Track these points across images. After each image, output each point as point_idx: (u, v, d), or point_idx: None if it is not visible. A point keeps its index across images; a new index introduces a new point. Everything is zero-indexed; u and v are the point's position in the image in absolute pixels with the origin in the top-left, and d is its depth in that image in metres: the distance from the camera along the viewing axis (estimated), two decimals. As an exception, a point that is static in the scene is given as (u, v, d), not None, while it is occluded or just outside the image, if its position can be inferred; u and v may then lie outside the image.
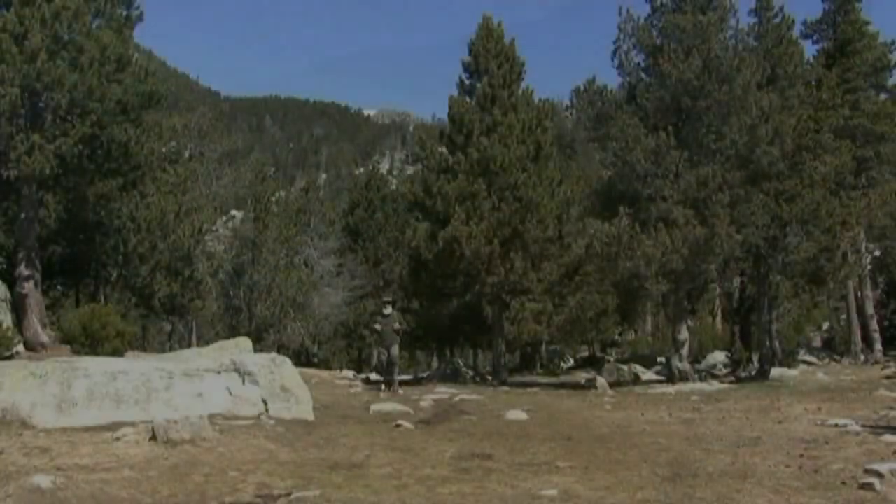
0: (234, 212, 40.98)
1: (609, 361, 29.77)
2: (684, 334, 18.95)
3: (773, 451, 7.50)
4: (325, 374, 21.94)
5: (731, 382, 19.31)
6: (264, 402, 9.54)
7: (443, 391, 15.23)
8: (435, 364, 37.23)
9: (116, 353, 15.53)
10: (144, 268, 21.66)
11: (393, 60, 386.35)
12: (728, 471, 6.46)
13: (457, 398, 13.57)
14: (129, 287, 22.69)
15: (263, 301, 30.37)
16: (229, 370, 9.65)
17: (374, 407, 11.67)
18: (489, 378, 21.37)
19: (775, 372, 20.16)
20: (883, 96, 31.25)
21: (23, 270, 17.10)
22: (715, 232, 17.31)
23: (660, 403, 13.32)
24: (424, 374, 26.22)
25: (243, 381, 9.59)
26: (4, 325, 15.52)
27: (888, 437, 7.92)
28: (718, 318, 35.80)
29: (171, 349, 25.38)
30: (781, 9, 21.99)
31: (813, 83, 23.92)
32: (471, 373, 23.36)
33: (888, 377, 19.16)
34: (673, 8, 19.39)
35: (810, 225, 18.59)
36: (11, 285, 17.37)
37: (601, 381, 18.01)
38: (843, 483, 5.76)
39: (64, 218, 21.02)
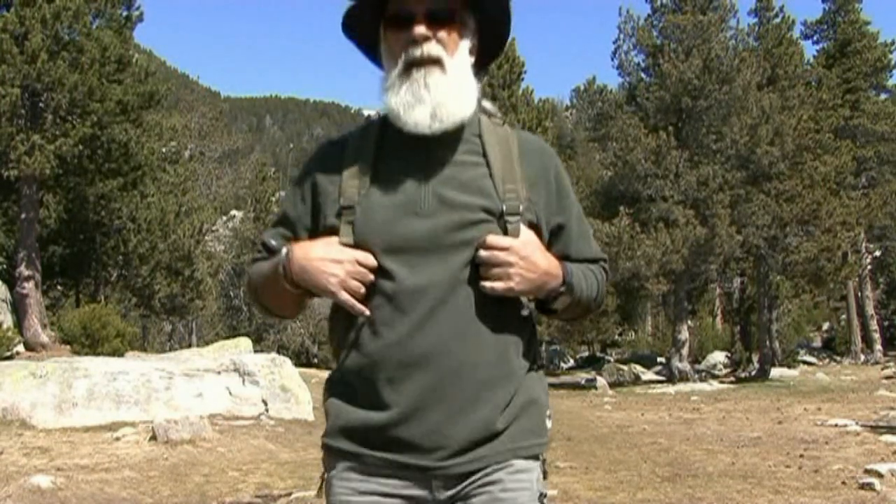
0: (234, 212, 40.98)
1: (609, 361, 29.76)
2: (684, 334, 18.96)
3: (773, 451, 7.49)
4: (325, 374, 21.93)
5: (731, 382, 19.32)
6: (264, 402, 9.53)
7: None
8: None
9: (116, 353, 15.49)
10: (144, 268, 21.63)
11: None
12: (728, 471, 6.45)
13: (457, 398, 13.53)
14: (129, 287, 22.66)
15: (263, 301, 30.36)
16: (229, 370, 9.64)
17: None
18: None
19: (775, 372, 20.17)
20: (883, 96, 31.29)
21: (23, 270, 17.09)
22: (715, 232, 17.33)
23: (660, 403, 13.32)
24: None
25: (243, 381, 9.59)
26: (4, 325, 15.50)
27: (888, 437, 7.92)
28: (718, 318, 35.77)
29: (172, 349, 25.38)
30: (781, 9, 22.11)
31: (813, 83, 23.95)
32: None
33: (888, 377, 19.18)
34: (673, 8, 19.43)
35: (810, 225, 18.61)
36: (11, 285, 17.36)
37: (601, 381, 18.02)
38: (843, 483, 5.76)
39: (64, 218, 21.01)
